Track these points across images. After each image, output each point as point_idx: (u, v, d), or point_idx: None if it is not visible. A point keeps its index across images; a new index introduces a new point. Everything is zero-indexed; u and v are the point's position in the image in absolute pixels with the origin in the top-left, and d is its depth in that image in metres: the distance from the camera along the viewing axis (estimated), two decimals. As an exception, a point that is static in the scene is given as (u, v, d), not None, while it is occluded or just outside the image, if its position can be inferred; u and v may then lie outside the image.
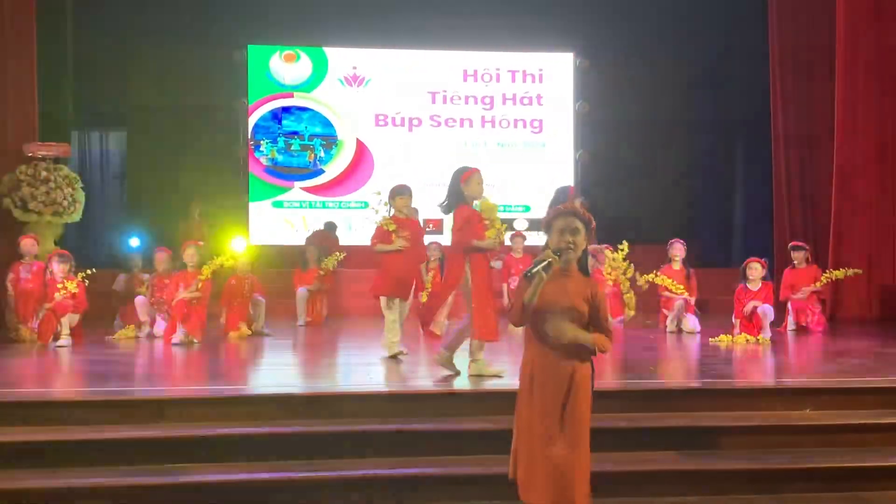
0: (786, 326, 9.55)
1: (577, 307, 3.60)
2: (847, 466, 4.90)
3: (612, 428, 4.98)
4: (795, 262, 9.88)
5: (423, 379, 6.35)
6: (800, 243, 10.10)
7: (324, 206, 14.24)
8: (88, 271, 8.59)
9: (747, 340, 8.31)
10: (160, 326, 8.84)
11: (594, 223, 3.73)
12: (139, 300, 9.14)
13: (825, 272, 9.71)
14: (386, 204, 7.24)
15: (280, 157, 14.32)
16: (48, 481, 4.50)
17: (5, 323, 8.84)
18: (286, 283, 10.98)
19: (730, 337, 8.41)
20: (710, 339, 8.48)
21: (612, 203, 11.10)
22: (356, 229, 13.69)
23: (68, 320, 8.13)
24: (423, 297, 8.10)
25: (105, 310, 10.11)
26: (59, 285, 8.19)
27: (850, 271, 9.50)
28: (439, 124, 14.66)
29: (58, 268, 8.26)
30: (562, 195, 7.07)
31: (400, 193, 7.17)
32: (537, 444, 3.57)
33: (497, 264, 6.05)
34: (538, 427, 3.59)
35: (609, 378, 6.08)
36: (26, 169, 10.37)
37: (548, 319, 3.58)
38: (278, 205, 14.17)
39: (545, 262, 3.51)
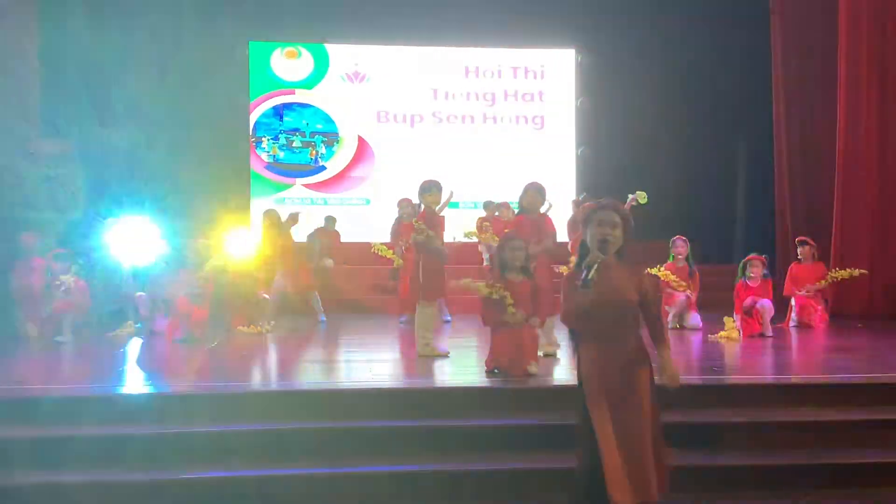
0: (788, 322, 9.55)
1: (628, 299, 3.61)
2: (849, 463, 4.91)
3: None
4: (801, 257, 9.86)
5: (424, 375, 6.35)
6: (805, 238, 10.07)
7: (325, 202, 14.25)
8: (80, 261, 8.61)
9: (750, 336, 8.31)
10: (161, 323, 8.85)
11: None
12: (141, 296, 9.15)
13: (830, 271, 9.70)
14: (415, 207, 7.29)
15: (281, 154, 14.33)
16: (51, 478, 4.51)
17: (12, 320, 8.84)
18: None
19: (733, 331, 8.38)
20: (710, 335, 8.47)
21: (613, 199, 11.11)
22: (355, 226, 13.73)
23: (71, 318, 8.13)
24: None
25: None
26: (57, 282, 8.17)
27: (856, 272, 9.47)
28: (441, 121, 14.66)
29: (57, 267, 8.25)
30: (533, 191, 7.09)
31: (428, 190, 7.16)
32: (629, 442, 3.54)
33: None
34: (620, 427, 3.55)
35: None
36: (28, 166, 10.37)
37: (605, 316, 3.56)
38: (280, 202, 14.18)
39: (596, 266, 3.50)
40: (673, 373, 3.68)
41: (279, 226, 10.01)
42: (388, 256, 9.75)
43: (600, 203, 3.73)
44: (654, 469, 3.57)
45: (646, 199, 9.07)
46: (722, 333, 8.37)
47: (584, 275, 3.50)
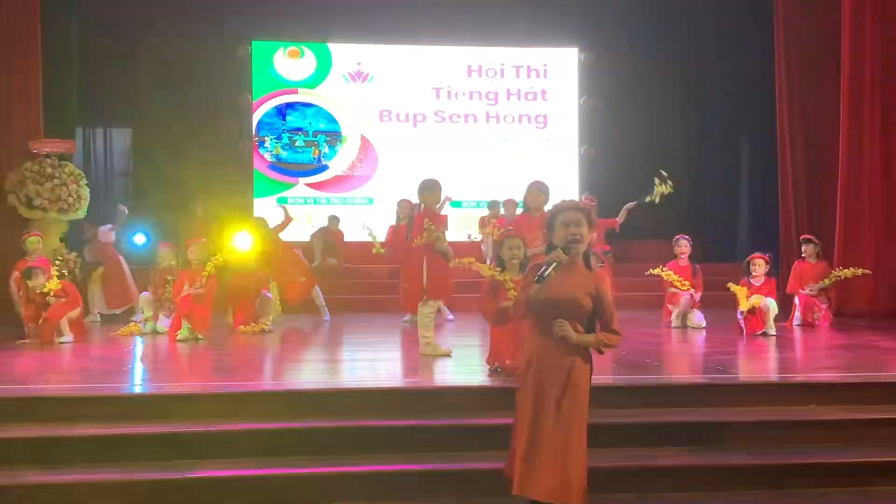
0: (792, 321, 9.53)
1: (580, 300, 3.62)
2: (853, 461, 4.89)
3: (616, 424, 4.97)
4: (805, 255, 9.85)
5: (427, 375, 6.35)
6: (810, 237, 10.06)
7: (328, 202, 14.25)
8: (61, 259, 8.57)
9: (753, 335, 8.30)
10: (164, 322, 8.86)
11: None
12: (145, 296, 9.17)
13: (834, 270, 9.68)
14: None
15: (284, 154, 14.32)
16: (54, 477, 4.52)
17: (15, 320, 8.83)
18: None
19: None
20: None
21: (617, 198, 11.09)
22: (358, 225, 13.72)
23: (66, 318, 8.13)
24: None
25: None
26: (44, 290, 8.11)
27: (860, 271, 9.45)
28: (444, 120, 14.65)
29: (36, 282, 8.16)
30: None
31: (427, 189, 7.14)
32: (535, 436, 3.57)
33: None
34: (535, 420, 3.58)
35: (613, 374, 6.08)
36: (31, 166, 10.39)
37: (552, 314, 3.58)
38: (283, 201, 14.17)
39: (555, 264, 3.53)
40: (584, 339, 3.61)
41: (268, 232, 10.00)
42: (373, 241, 9.74)
43: (560, 205, 3.76)
44: (577, 472, 3.56)
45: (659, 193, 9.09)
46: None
47: (541, 270, 3.52)
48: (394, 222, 11.08)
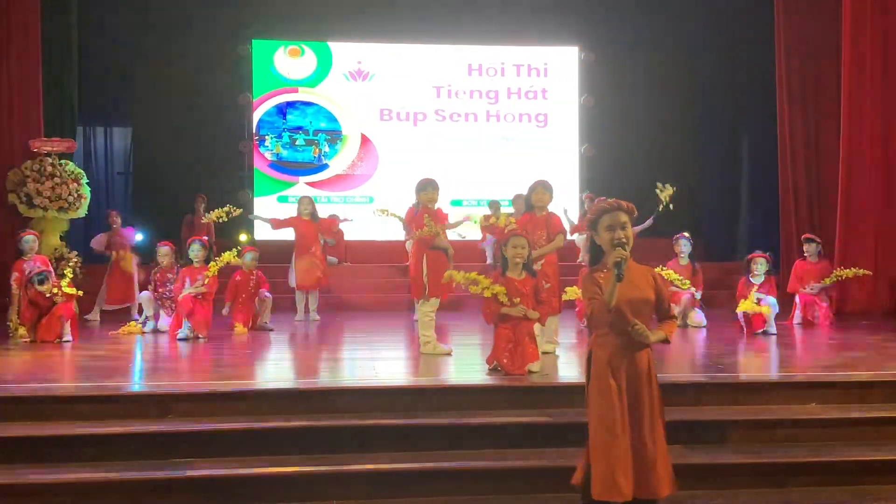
0: (792, 320, 9.53)
1: (649, 297, 3.63)
2: (853, 460, 4.89)
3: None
4: (807, 254, 9.84)
5: (428, 373, 6.35)
6: (812, 236, 10.06)
7: (329, 200, 14.23)
8: (74, 262, 8.56)
9: (754, 333, 8.30)
10: (164, 321, 8.86)
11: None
12: (145, 295, 9.16)
13: (835, 269, 9.68)
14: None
15: (285, 153, 14.32)
16: (54, 476, 4.52)
17: (7, 320, 8.79)
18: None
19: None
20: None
21: (617, 197, 11.10)
22: (358, 224, 13.71)
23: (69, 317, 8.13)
24: None
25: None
26: (55, 290, 8.08)
27: (861, 271, 9.45)
28: (444, 119, 14.65)
29: (43, 287, 8.12)
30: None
31: (424, 188, 7.14)
32: (627, 437, 3.54)
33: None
34: (624, 420, 3.54)
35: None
36: (31, 164, 10.39)
37: (628, 315, 3.55)
38: (283, 200, 14.18)
39: (622, 260, 3.48)
40: (657, 336, 3.64)
41: (314, 214, 10.55)
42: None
43: (604, 206, 3.71)
44: (665, 463, 3.58)
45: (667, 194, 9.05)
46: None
47: (616, 270, 3.47)
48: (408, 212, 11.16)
